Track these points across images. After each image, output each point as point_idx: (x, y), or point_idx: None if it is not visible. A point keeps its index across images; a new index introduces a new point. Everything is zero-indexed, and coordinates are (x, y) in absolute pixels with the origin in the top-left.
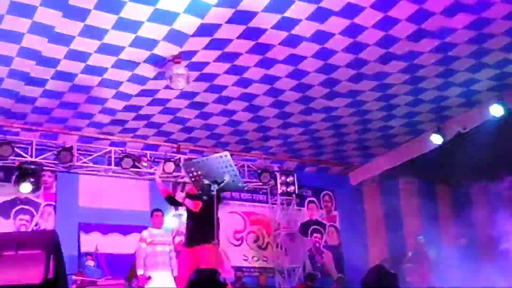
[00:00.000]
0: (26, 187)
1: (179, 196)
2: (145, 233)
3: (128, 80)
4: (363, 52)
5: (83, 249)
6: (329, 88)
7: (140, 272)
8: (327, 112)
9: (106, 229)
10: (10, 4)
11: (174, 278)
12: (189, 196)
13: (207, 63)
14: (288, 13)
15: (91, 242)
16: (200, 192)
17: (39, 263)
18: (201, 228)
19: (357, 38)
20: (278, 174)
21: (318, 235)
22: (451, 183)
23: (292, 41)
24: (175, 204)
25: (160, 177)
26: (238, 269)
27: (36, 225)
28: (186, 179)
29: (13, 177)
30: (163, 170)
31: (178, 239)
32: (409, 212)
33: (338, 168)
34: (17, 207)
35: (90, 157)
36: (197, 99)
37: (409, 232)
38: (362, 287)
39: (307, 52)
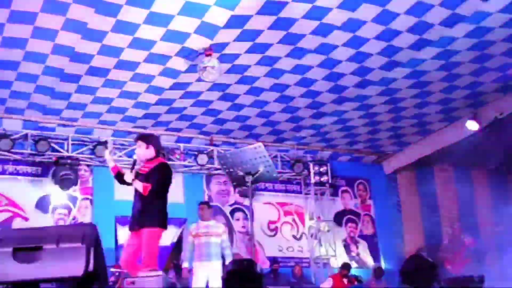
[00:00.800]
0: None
1: (128, 176)
2: (192, 226)
3: (160, 74)
4: (396, 39)
5: (120, 242)
6: (361, 77)
7: (184, 264)
8: (360, 100)
9: None
10: (44, 2)
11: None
12: (138, 176)
13: (238, 55)
14: (318, 2)
15: (128, 234)
16: (234, 183)
17: (79, 256)
18: (148, 212)
19: (389, 25)
20: (311, 164)
21: (353, 225)
22: (488, 169)
23: (323, 30)
24: (125, 183)
25: (110, 152)
26: (273, 259)
27: (73, 219)
28: (136, 157)
29: (51, 172)
30: (196, 162)
31: None
32: (445, 200)
33: (372, 157)
34: (53, 204)
35: (125, 151)
36: (229, 90)
37: (445, 220)
38: (400, 276)
39: (338, 40)
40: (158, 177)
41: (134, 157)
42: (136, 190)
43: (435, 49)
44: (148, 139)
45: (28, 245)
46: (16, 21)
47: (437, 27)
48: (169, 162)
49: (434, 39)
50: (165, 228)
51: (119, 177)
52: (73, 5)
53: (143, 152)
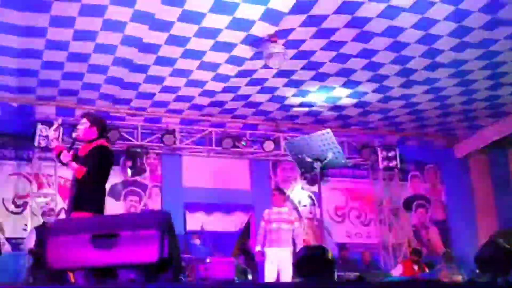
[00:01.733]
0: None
1: (64, 156)
2: (265, 212)
3: (226, 62)
4: (467, 19)
5: (189, 228)
6: (430, 59)
7: (257, 248)
8: (429, 83)
9: (210, 208)
10: None
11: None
12: (76, 158)
13: (303, 41)
14: None
15: (196, 221)
16: (303, 170)
17: (154, 242)
18: (81, 196)
19: (460, 5)
20: (379, 149)
21: (423, 210)
22: None
23: (391, 12)
24: (64, 165)
25: (56, 131)
26: (341, 245)
27: (144, 205)
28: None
29: (121, 160)
30: (263, 148)
31: None
32: None
33: (442, 141)
34: (127, 189)
35: (192, 139)
36: (295, 76)
37: None
38: (476, 263)
39: (406, 23)
40: (95, 160)
41: (74, 134)
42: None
43: (509, 29)
44: (94, 118)
45: (105, 232)
46: (87, 14)
47: (510, 6)
48: (236, 149)
49: (508, 18)
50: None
51: (59, 157)
52: None
53: (85, 130)
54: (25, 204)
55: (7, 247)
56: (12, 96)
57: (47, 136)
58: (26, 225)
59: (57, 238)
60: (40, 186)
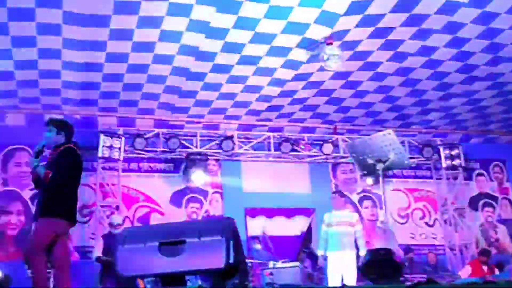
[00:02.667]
0: (197, 177)
1: (31, 160)
2: (326, 215)
3: (282, 66)
4: None
5: (250, 233)
6: (492, 54)
7: (319, 252)
8: (492, 79)
9: (270, 213)
10: (169, 6)
11: (359, 257)
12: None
13: (359, 41)
14: None
15: (257, 226)
16: (365, 172)
17: (220, 248)
18: (47, 201)
19: None
20: (441, 148)
21: (490, 209)
22: None
23: (449, 8)
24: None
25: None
26: (407, 247)
27: (205, 212)
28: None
29: (182, 168)
30: (321, 151)
31: None
32: None
33: (507, 137)
34: (188, 196)
35: (251, 144)
36: (352, 78)
37: None
38: None
39: (466, 18)
40: (60, 163)
41: (43, 142)
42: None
43: None
44: (60, 123)
45: (172, 240)
46: (144, 26)
47: None
48: (294, 153)
49: None
50: (69, 220)
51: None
52: (196, 6)
53: (54, 137)
54: (91, 213)
55: (75, 256)
56: (76, 109)
57: (110, 146)
58: (93, 233)
59: (126, 247)
60: (104, 195)
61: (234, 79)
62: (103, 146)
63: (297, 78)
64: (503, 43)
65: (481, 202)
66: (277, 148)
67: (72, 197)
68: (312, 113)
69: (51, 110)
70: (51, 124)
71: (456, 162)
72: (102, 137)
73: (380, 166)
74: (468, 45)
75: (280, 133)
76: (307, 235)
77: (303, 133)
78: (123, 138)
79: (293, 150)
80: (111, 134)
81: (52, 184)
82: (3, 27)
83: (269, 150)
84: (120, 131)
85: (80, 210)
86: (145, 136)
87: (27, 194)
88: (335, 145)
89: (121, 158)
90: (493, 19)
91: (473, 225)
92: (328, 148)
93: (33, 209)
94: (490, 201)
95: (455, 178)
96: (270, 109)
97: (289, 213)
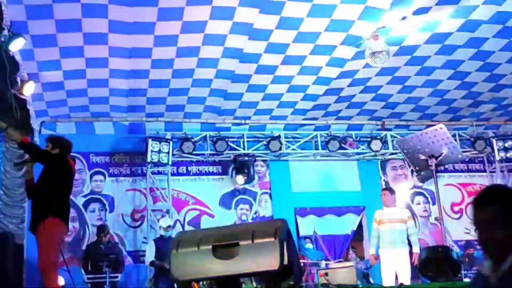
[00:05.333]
0: (240, 179)
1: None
2: (376, 213)
3: (327, 65)
4: None
5: (301, 233)
6: None
7: (371, 251)
8: None
9: (321, 212)
10: (212, 10)
11: (412, 255)
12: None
13: (406, 36)
14: None
15: (308, 225)
16: (417, 168)
17: (274, 250)
18: (40, 204)
19: None
20: (494, 140)
21: None
22: None
23: None
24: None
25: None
26: (466, 243)
27: (255, 213)
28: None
29: (230, 170)
30: (370, 148)
31: None
32: None
33: None
34: (237, 198)
35: (298, 144)
36: (398, 73)
37: None
38: None
39: None
40: (48, 167)
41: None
42: None
43: None
44: (55, 140)
45: (225, 242)
46: (188, 31)
47: None
48: (342, 151)
49: None
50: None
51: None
52: (239, 9)
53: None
54: (142, 218)
55: (129, 260)
56: (124, 116)
57: (158, 151)
58: (145, 238)
59: (180, 251)
60: (155, 199)
61: (279, 80)
62: (152, 151)
63: (342, 75)
64: None
65: None
66: (324, 147)
67: (62, 201)
68: (359, 110)
69: (100, 118)
70: (48, 141)
71: (510, 154)
72: (150, 142)
73: (432, 162)
74: None
75: (327, 132)
76: (357, 233)
77: (351, 130)
78: (171, 143)
79: (341, 148)
80: (159, 139)
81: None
82: (52, 39)
83: (317, 149)
84: (168, 135)
85: (131, 214)
86: (193, 140)
87: (80, 201)
88: (384, 142)
89: (170, 162)
90: None
91: None
92: (376, 144)
93: (86, 216)
94: None
95: (510, 170)
96: (316, 107)
97: (339, 211)
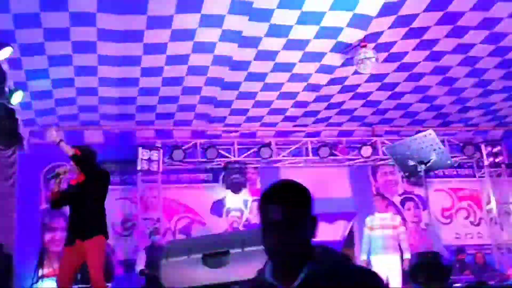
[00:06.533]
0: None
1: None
2: (367, 218)
3: (316, 71)
4: None
5: None
6: None
7: (362, 257)
8: None
9: None
10: (201, 18)
11: (403, 260)
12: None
13: (394, 42)
14: None
15: None
16: (407, 173)
17: (264, 258)
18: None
19: None
20: (483, 145)
21: None
22: None
23: (485, 4)
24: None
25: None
26: (457, 249)
27: (246, 220)
28: (61, 170)
29: (220, 177)
30: (360, 154)
31: None
32: None
33: None
34: (226, 207)
35: (288, 150)
36: (388, 80)
37: None
38: None
39: (502, 13)
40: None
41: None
42: None
43: None
44: (94, 153)
45: (215, 251)
46: (177, 39)
47: None
48: (333, 157)
49: None
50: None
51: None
52: (228, 16)
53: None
54: (133, 226)
55: (120, 270)
56: (114, 124)
57: (148, 159)
58: (136, 246)
59: (170, 260)
60: (146, 208)
61: (269, 87)
62: (142, 159)
63: (332, 82)
64: None
65: None
66: (315, 153)
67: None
68: (349, 116)
69: (90, 126)
70: (88, 152)
71: (499, 159)
72: (140, 150)
73: (422, 168)
74: (506, 40)
75: (317, 138)
76: (348, 240)
77: (341, 136)
78: (161, 151)
79: (331, 154)
80: (149, 147)
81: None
82: (40, 47)
83: (307, 155)
84: (158, 143)
85: (122, 223)
86: (183, 148)
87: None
88: (374, 148)
89: (160, 170)
90: None
91: None
92: (367, 150)
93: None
94: None
95: (499, 175)
96: (307, 114)
97: (331, 218)
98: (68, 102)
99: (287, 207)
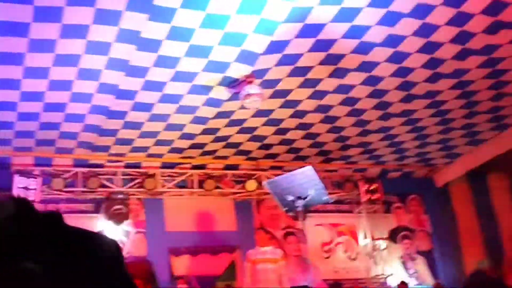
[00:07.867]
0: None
1: None
2: (250, 252)
3: (204, 104)
4: (438, 50)
5: (175, 273)
6: (406, 91)
7: None
8: (406, 115)
9: (195, 251)
10: (87, 43)
11: None
12: None
13: (280, 80)
14: (357, 21)
15: (182, 265)
16: (286, 208)
17: None
18: None
19: (430, 37)
20: (361, 183)
21: (409, 241)
22: None
23: (364, 48)
24: None
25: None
26: (335, 283)
27: (127, 253)
28: None
29: (103, 208)
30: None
31: None
32: (503, 210)
33: (422, 171)
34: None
35: (174, 182)
36: (273, 115)
37: (506, 231)
38: None
39: (379, 57)
40: None
41: None
42: None
43: (479, 57)
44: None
45: None
46: (61, 64)
47: (480, 35)
48: (219, 190)
49: (478, 48)
50: None
51: None
52: (115, 44)
53: None
54: None
55: None
56: None
57: (25, 188)
58: None
59: None
60: None
61: (156, 117)
62: (18, 187)
63: (219, 115)
64: (415, 81)
65: (400, 235)
66: (201, 186)
67: None
68: (235, 150)
69: None
70: None
71: (375, 196)
72: (16, 177)
73: (299, 203)
74: (383, 83)
75: (203, 171)
76: (230, 272)
77: (227, 170)
78: (39, 178)
79: (217, 187)
80: (27, 174)
81: None
82: None
83: (193, 187)
84: (37, 171)
85: None
86: (63, 176)
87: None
88: (259, 182)
89: (37, 200)
90: (405, 58)
91: (393, 258)
92: (251, 184)
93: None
94: (408, 233)
95: (375, 212)
96: (193, 146)
97: (215, 251)
98: None
99: None
